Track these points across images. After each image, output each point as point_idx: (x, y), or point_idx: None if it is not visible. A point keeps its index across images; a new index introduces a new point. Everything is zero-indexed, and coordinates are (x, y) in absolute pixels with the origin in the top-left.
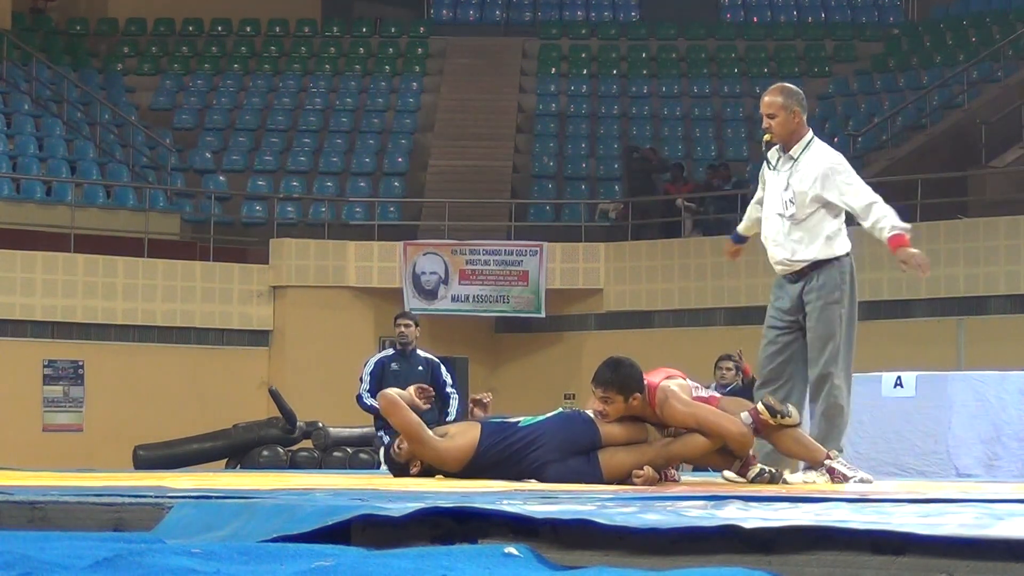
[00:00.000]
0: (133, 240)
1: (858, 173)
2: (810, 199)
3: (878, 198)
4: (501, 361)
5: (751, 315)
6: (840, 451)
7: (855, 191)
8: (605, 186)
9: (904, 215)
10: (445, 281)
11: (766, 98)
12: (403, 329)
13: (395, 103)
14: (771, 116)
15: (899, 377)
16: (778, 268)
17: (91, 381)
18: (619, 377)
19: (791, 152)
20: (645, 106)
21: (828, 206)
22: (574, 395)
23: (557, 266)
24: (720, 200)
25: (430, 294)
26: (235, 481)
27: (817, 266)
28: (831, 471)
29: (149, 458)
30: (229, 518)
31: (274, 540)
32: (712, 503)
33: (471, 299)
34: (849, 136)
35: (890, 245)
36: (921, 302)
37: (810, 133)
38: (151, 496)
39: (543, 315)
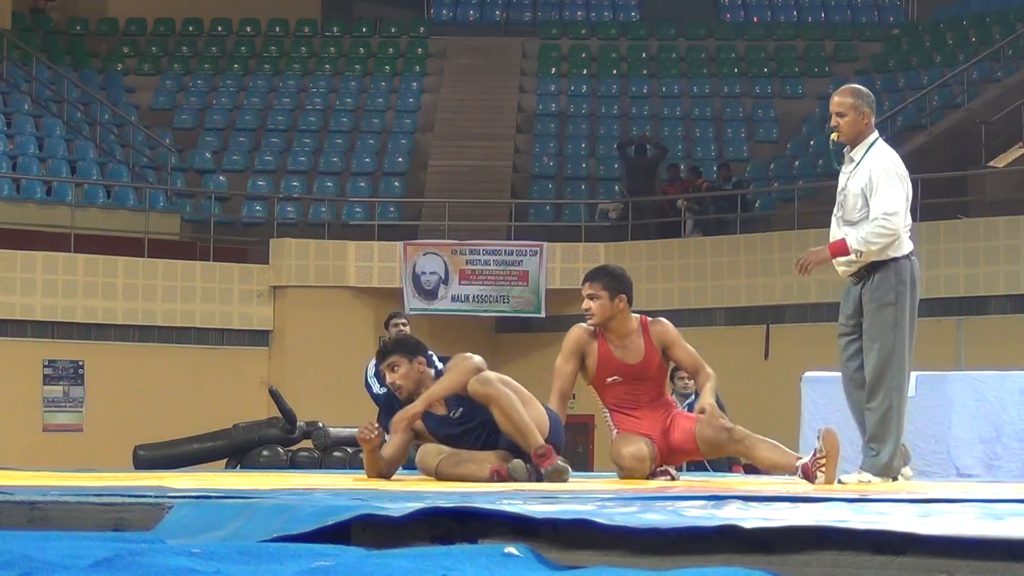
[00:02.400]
0: (133, 240)
1: None
2: (860, 201)
3: (887, 218)
4: (501, 361)
5: (751, 315)
6: (895, 459)
7: (879, 199)
8: (605, 186)
9: None
10: (445, 281)
11: (836, 98)
12: (401, 329)
13: (395, 103)
14: (840, 115)
15: None
16: (840, 271)
17: (91, 381)
18: (606, 275)
19: (853, 153)
20: (645, 106)
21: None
22: (574, 395)
23: (557, 266)
24: (720, 200)
25: (430, 294)
26: (235, 481)
27: (874, 268)
28: (803, 468)
29: (149, 458)
30: (229, 518)
31: (274, 540)
32: (712, 503)
33: (471, 299)
34: None
35: (831, 245)
36: (921, 302)
37: (875, 135)
38: (151, 496)
39: (543, 315)
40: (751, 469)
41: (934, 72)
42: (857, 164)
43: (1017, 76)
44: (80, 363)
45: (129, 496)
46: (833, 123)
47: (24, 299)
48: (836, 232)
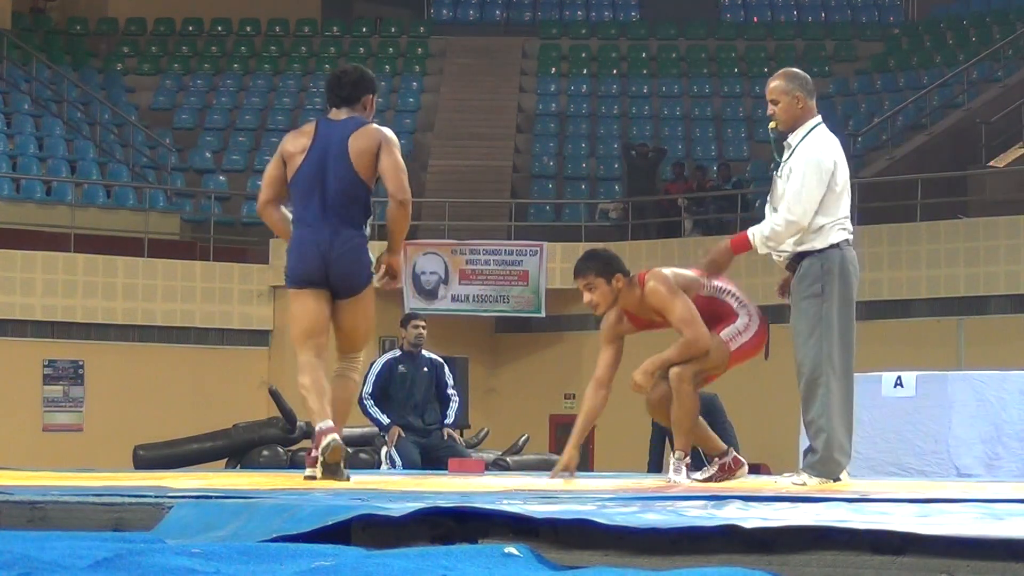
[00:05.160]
0: (133, 240)
1: (858, 173)
2: (786, 191)
3: (790, 211)
4: (501, 361)
5: None
6: (838, 459)
7: (790, 191)
8: (605, 186)
9: (904, 215)
10: (445, 281)
11: (770, 83)
12: (421, 331)
13: (395, 103)
14: (774, 102)
15: (899, 377)
16: (774, 257)
17: (91, 381)
18: (594, 261)
19: (791, 139)
20: (645, 106)
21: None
22: (574, 395)
23: (557, 266)
24: (720, 200)
25: (430, 294)
26: (235, 481)
27: (800, 258)
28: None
29: (149, 458)
30: (229, 518)
31: (274, 540)
32: (712, 503)
33: (471, 299)
34: (849, 136)
35: (732, 241)
36: (921, 302)
37: (815, 120)
38: (151, 496)
39: (543, 315)
40: (752, 469)
41: (934, 72)
42: (793, 150)
43: (1017, 76)
44: (80, 363)
45: (129, 496)
46: (769, 111)
47: (24, 299)
48: (767, 218)
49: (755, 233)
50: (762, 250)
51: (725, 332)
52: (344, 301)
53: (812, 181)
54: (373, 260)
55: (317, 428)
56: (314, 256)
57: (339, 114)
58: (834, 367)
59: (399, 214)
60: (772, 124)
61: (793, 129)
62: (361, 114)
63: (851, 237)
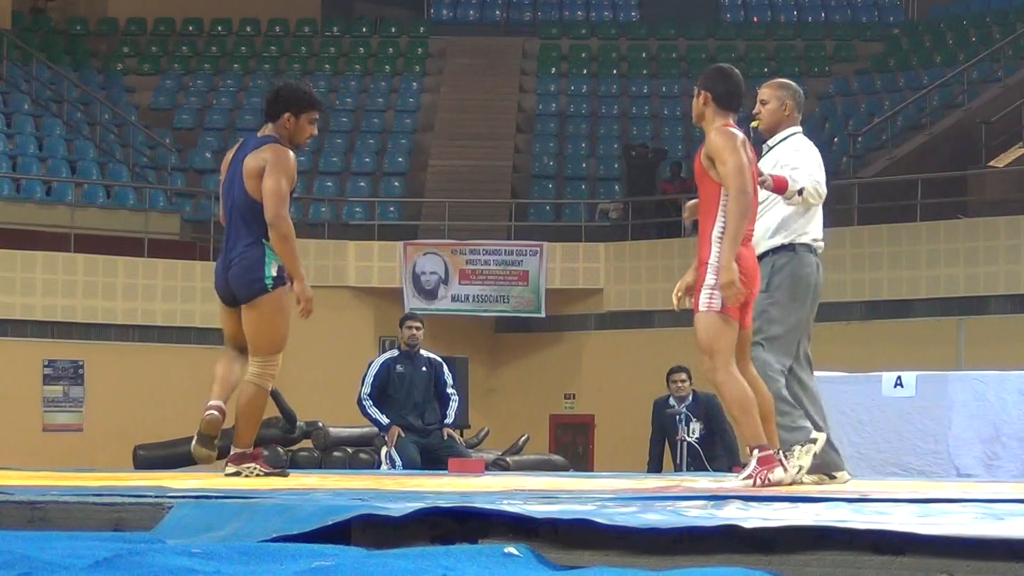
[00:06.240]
0: (133, 240)
1: (858, 173)
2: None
3: (808, 182)
4: (501, 361)
5: None
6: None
7: (804, 166)
8: (605, 186)
9: (904, 215)
10: (445, 281)
11: (763, 88)
12: (414, 332)
13: (395, 103)
14: (763, 103)
15: (899, 377)
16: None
17: (91, 381)
18: (707, 70)
19: (768, 141)
20: (645, 106)
21: (771, 197)
22: (574, 395)
23: (557, 266)
24: None
25: (430, 294)
26: (235, 481)
27: (769, 252)
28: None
29: (149, 458)
30: (229, 518)
31: (274, 540)
32: (712, 503)
33: (471, 299)
34: (849, 136)
35: (776, 181)
36: (921, 302)
37: (795, 129)
38: (151, 496)
39: (543, 315)
40: None
41: (934, 72)
42: (770, 150)
43: (1017, 76)
44: (80, 363)
45: (129, 496)
46: (756, 110)
47: (24, 299)
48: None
49: (798, 179)
50: (791, 200)
51: (700, 303)
52: (243, 307)
53: (813, 160)
54: (271, 272)
55: (205, 405)
56: (219, 270)
57: (263, 130)
58: (768, 362)
59: (274, 238)
60: (754, 123)
61: (773, 132)
62: (281, 132)
63: (817, 244)
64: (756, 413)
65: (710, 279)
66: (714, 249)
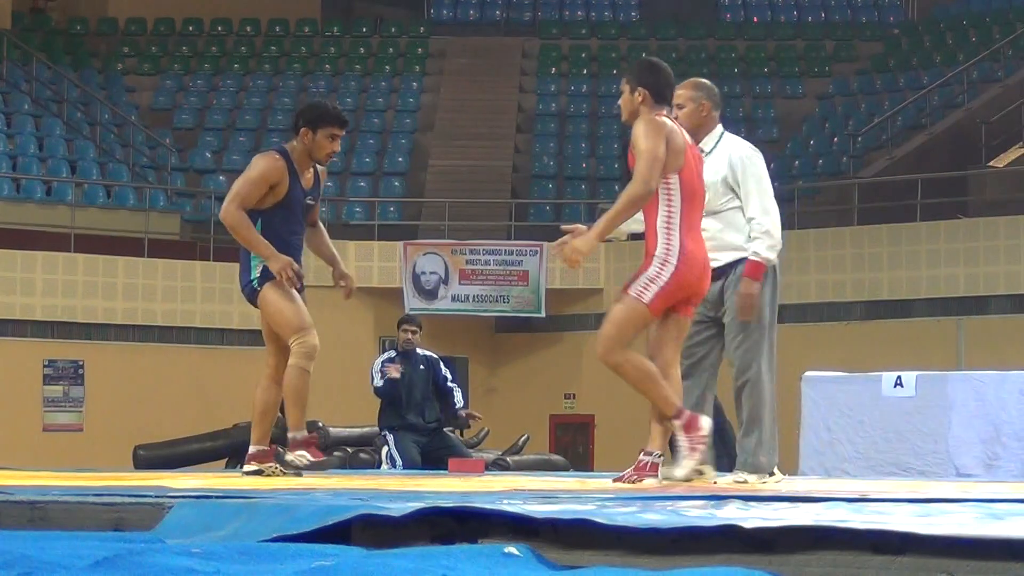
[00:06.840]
0: (133, 240)
1: (858, 173)
2: (722, 189)
3: (768, 212)
4: (501, 361)
5: None
6: (769, 455)
7: (756, 193)
8: (605, 186)
9: (904, 215)
10: (445, 281)
11: (678, 91)
12: (409, 336)
13: (395, 103)
14: (679, 107)
15: (899, 377)
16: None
17: (91, 381)
18: (635, 66)
19: (702, 145)
20: None
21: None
22: (574, 395)
23: (557, 266)
24: None
25: (430, 294)
26: (235, 481)
27: (739, 261)
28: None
29: (149, 458)
30: (229, 518)
31: (274, 540)
32: (712, 503)
33: (471, 299)
34: (849, 136)
35: (745, 268)
36: (921, 302)
37: (721, 128)
38: (151, 496)
39: (543, 315)
40: None
41: (934, 72)
42: (709, 153)
43: (1017, 76)
44: (80, 363)
45: (129, 496)
46: (673, 115)
47: (24, 299)
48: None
49: (759, 251)
50: (773, 258)
51: (633, 288)
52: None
53: (766, 177)
54: (256, 273)
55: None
56: None
57: (290, 143)
58: (765, 366)
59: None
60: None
61: (696, 135)
62: (299, 146)
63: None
64: (661, 379)
65: (652, 270)
66: (660, 239)
